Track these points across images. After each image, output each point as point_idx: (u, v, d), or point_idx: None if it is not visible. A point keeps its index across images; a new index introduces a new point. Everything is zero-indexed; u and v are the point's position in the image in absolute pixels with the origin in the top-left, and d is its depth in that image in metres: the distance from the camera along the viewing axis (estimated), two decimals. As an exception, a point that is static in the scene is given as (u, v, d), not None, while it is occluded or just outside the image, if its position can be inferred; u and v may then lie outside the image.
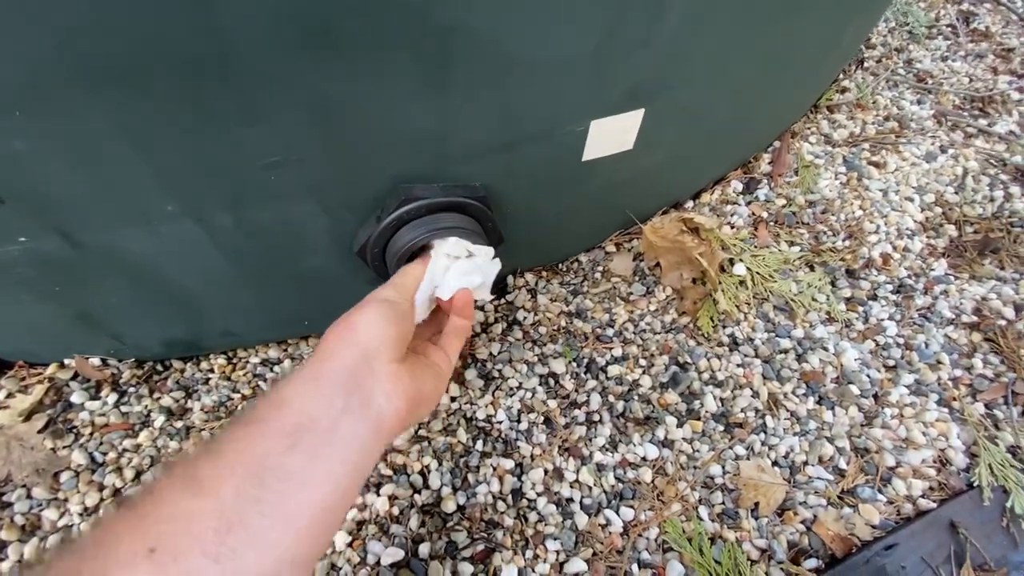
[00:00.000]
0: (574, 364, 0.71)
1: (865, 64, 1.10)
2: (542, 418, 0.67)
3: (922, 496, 0.62)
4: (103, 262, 0.52)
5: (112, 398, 0.67)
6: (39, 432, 0.63)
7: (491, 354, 0.72)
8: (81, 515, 0.60)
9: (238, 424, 0.31)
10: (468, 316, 0.49)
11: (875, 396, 0.69)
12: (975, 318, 0.76)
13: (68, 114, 0.38)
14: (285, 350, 0.74)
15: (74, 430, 0.65)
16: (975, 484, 0.62)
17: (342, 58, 0.40)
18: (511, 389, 0.69)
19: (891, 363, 0.71)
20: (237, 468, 0.28)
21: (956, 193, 0.89)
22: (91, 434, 0.65)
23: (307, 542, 0.29)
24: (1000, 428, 0.66)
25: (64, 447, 0.63)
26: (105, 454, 0.63)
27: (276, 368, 0.72)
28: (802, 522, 0.60)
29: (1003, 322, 0.75)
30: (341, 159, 0.49)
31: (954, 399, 0.69)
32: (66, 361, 0.68)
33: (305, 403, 0.32)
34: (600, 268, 0.80)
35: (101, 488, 0.61)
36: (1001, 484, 0.62)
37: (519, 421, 0.67)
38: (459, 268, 0.50)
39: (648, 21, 0.48)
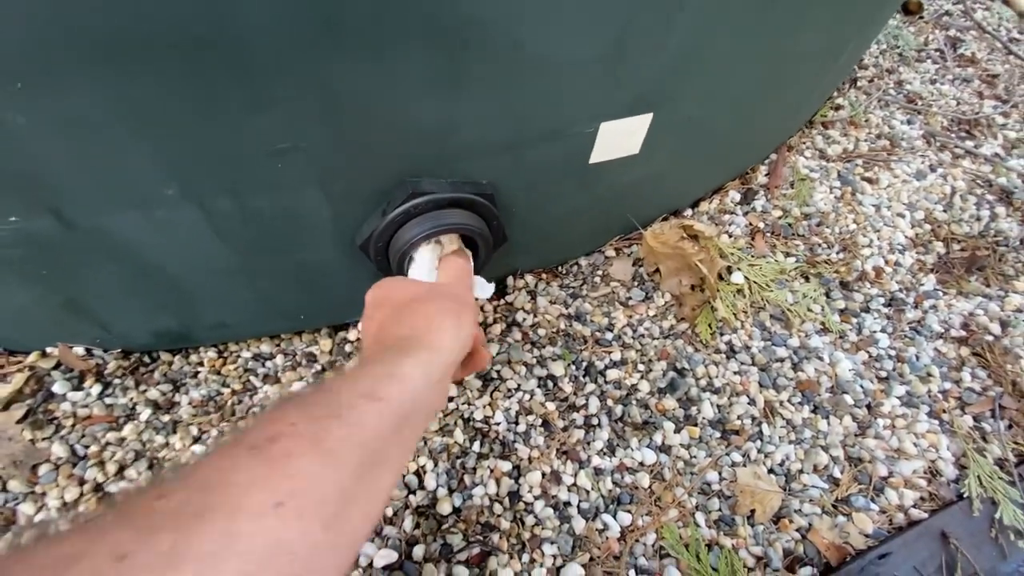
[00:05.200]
0: (573, 367, 0.71)
1: (858, 83, 1.12)
2: (540, 420, 0.66)
3: (914, 506, 0.63)
4: (95, 246, 0.51)
5: (96, 389, 0.65)
6: (18, 422, 0.60)
7: (490, 355, 0.71)
8: (59, 510, 0.57)
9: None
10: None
11: (868, 406, 0.70)
12: (963, 333, 0.77)
13: (69, 89, 0.36)
14: (278, 345, 0.72)
15: (55, 421, 0.62)
16: (965, 495, 0.63)
17: (355, 46, 0.39)
18: (509, 391, 0.69)
19: (883, 374, 0.72)
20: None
21: (945, 211, 0.91)
22: (73, 426, 0.62)
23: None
24: (988, 441, 0.68)
25: (44, 439, 0.61)
26: (87, 447, 0.61)
27: (268, 363, 0.70)
28: (797, 530, 0.60)
29: (990, 337, 0.76)
30: (348, 150, 0.48)
31: (944, 411, 0.70)
32: (48, 350, 0.65)
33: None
34: (600, 272, 0.80)
35: (82, 482, 0.59)
36: (990, 495, 0.63)
37: (517, 423, 0.66)
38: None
39: (660, 27, 0.49)
